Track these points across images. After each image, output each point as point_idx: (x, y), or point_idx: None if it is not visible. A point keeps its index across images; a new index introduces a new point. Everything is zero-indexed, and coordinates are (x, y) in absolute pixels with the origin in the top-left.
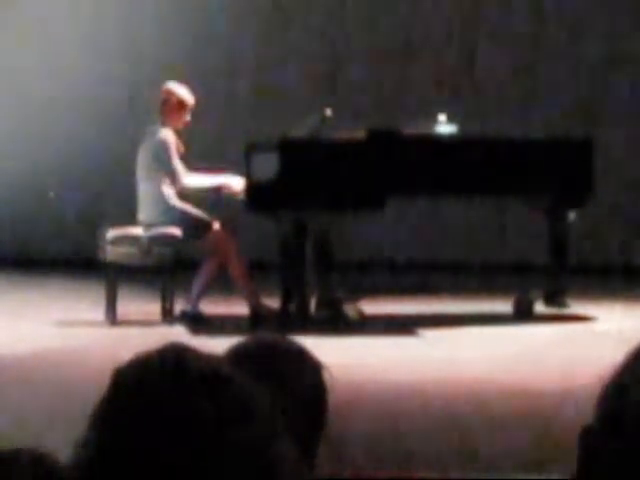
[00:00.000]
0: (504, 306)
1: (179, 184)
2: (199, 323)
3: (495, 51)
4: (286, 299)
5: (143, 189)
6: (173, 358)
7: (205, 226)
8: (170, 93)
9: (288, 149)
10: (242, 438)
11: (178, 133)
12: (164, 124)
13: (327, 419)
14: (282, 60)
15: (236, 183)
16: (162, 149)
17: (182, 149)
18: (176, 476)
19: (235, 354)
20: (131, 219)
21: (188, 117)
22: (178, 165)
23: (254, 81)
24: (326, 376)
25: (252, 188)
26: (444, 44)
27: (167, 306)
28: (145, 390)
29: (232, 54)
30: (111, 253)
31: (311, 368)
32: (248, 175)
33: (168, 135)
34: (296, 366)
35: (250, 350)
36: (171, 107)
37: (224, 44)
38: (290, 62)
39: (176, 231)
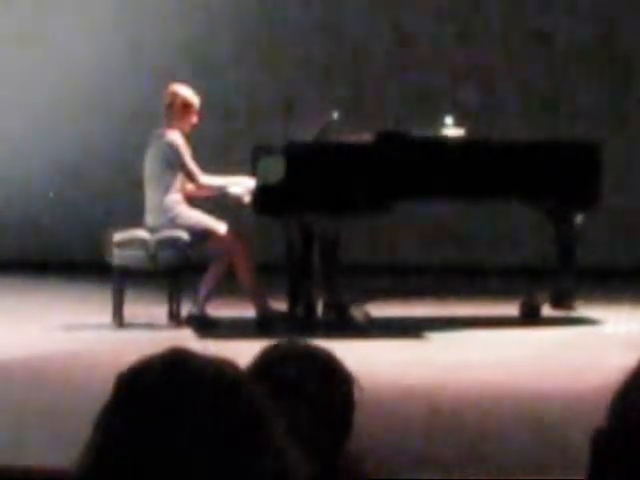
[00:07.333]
0: (511, 309)
1: (197, 182)
2: (206, 326)
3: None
4: (293, 302)
5: (150, 193)
6: (174, 362)
7: (212, 230)
8: (175, 95)
9: (294, 152)
10: (245, 441)
11: (185, 135)
12: (170, 126)
13: (350, 432)
14: (287, 63)
15: (241, 189)
16: (173, 151)
17: (190, 151)
18: None
19: (262, 361)
20: (138, 222)
21: (195, 119)
22: (192, 164)
23: (260, 84)
24: (355, 390)
25: (259, 191)
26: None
27: (174, 309)
28: (147, 395)
29: (236, 55)
30: (118, 256)
31: (340, 381)
32: (255, 179)
33: (176, 137)
34: (323, 378)
35: (278, 358)
36: (176, 109)
37: (226, 45)
38: (294, 64)
39: (183, 234)
